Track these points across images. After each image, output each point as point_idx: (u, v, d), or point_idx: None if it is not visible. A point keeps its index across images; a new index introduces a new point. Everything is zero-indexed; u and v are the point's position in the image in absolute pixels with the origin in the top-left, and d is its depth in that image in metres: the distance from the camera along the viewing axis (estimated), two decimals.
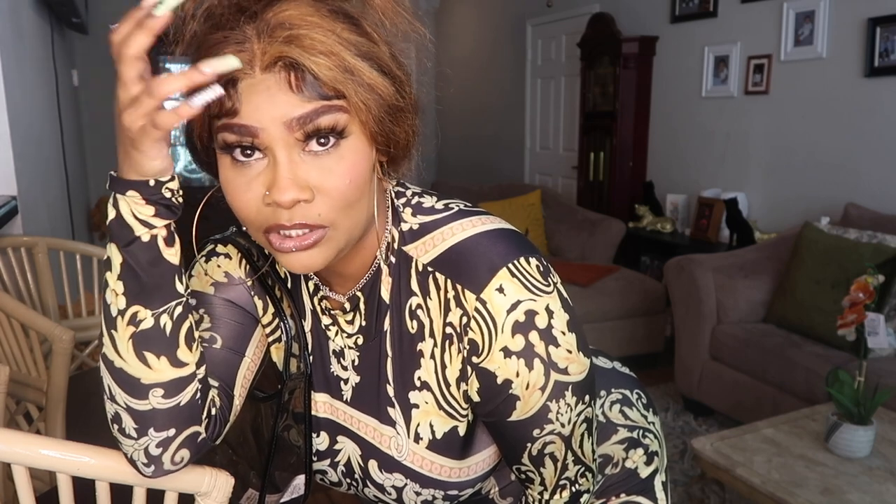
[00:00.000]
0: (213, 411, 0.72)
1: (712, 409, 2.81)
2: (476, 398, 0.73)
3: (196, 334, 0.68)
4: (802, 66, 3.30)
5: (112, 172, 0.62)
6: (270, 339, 0.82)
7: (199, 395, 0.68)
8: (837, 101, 3.15)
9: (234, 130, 0.61)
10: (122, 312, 0.63)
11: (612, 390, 0.96)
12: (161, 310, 0.64)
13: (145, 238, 0.61)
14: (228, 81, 0.59)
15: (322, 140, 0.61)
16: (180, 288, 0.65)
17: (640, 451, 0.93)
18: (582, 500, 0.80)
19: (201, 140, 0.66)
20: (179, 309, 0.65)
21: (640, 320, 3.39)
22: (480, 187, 4.70)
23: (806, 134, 3.32)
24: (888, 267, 2.37)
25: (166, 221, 0.62)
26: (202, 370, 0.69)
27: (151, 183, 0.60)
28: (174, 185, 0.61)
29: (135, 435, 0.67)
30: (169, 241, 0.63)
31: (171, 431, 0.68)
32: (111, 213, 0.61)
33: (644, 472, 0.93)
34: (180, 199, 0.62)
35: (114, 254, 0.62)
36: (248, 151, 0.62)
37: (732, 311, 2.78)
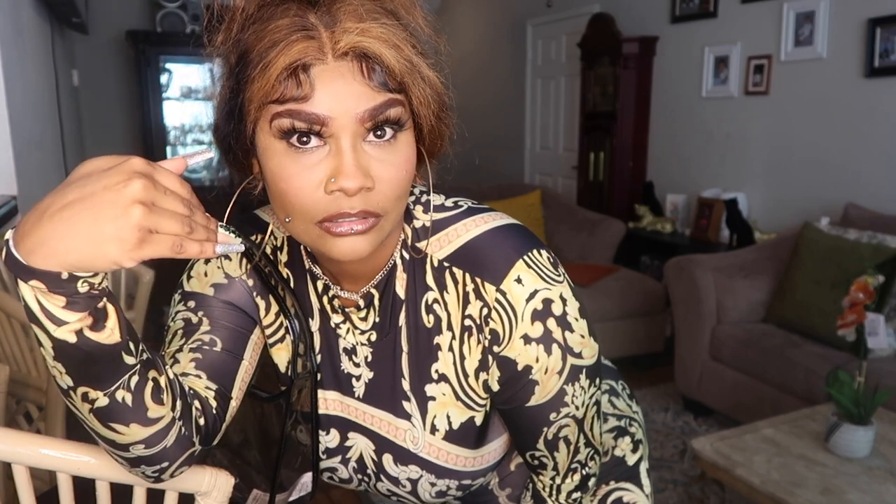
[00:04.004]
0: (202, 421, 0.71)
1: (712, 409, 2.81)
2: (496, 387, 0.75)
3: (164, 383, 0.63)
4: (802, 66, 3.30)
5: (9, 240, 0.50)
6: (271, 340, 0.81)
7: (184, 430, 0.67)
8: (837, 101, 3.15)
9: (302, 118, 0.59)
10: (72, 389, 0.58)
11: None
12: (114, 388, 0.58)
13: (61, 336, 0.53)
14: (300, 66, 0.59)
15: (379, 132, 0.62)
16: (130, 360, 0.58)
17: (628, 439, 0.97)
18: (590, 483, 0.83)
19: (253, 126, 0.62)
20: (136, 378, 0.60)
21: (640, 320, 3.39)
22: (480, 187, 4.70)
23: (806, 134, 3.32)
24: (888, 267, 2.36)
25: (82, 314, 0.53)
26: (179, 408, 0.66)
27: (64, 276, 0.50)
28: (97, 279, 0.52)
29: (128, 466, 0.67)
30: (97, 326, 0.54)
31: (164, 464, 0.68)
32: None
33: (631, 460, 0.96)
34: (104, 286, 0.54)
35: (40, 335, 0.54)
36: (305, 138, 0.61)
37: (732, 311, 2.78)
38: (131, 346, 0.58)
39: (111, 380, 0.58)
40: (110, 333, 0.55)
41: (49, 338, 0.54)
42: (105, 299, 0.54)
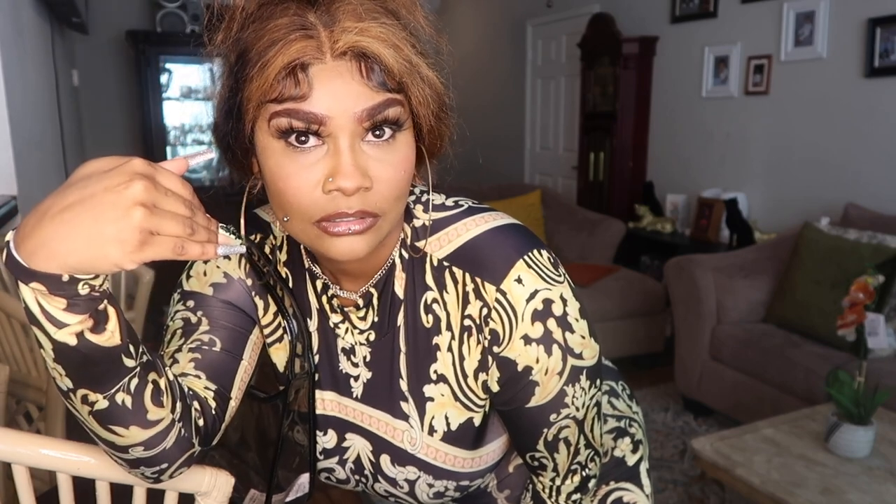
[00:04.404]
0: (202, 422, 0.71)
1: (712, 409, 2.81)
2: (496, 388, 0.75)
3: (164, 385, 0.63)
4: (802, 66, 3.30)
5: (9, 242, 0.50)
6: (269, 339, 0.81)
7: (183, 431, 0.67)
8: (837, 101, 3.15)
9: (300, 117, 0.59)
10: (71, 391, 0.58)
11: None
12: (113, 391, 0.59)
13: (61, 339, 0.53)
14: (298, 65, 0.59)
15: (378, 132, 0.62)
16: (130, 362, 0.58)
17: (627, 439, 0.96)
18: (590, 484, 0.83)
19: (252, 125, 0.62)
20: (135, 381, 0.60)
21: (640, 320, 3.39)
22: (480, 187, 4.70)
23: (806, 134, 3.32)
24: (888, 267, 2.36)
25: (82, 316, 0.53)
26: (178, 410, 0.66)
27: (65, 278, 0.50)
28: (98, 281, 0.52)
29: (127, 467, 0.68)
30: (97, 328, 0.54)
31: (164, 465, 0.68)
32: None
33: (631, 460, 0.96)
34: (105, 288, 0.54)
35: (40, 336, 0.54)
36: (304, 137, 0.60)
37: (732, 311, 2.78)
38: (131, 348, 0.58)
39: (111, 382, 0.58)
40: (110, 336, 0.55)
41: (49, 340, 0.53)
42: (106, 301, 0.54)
